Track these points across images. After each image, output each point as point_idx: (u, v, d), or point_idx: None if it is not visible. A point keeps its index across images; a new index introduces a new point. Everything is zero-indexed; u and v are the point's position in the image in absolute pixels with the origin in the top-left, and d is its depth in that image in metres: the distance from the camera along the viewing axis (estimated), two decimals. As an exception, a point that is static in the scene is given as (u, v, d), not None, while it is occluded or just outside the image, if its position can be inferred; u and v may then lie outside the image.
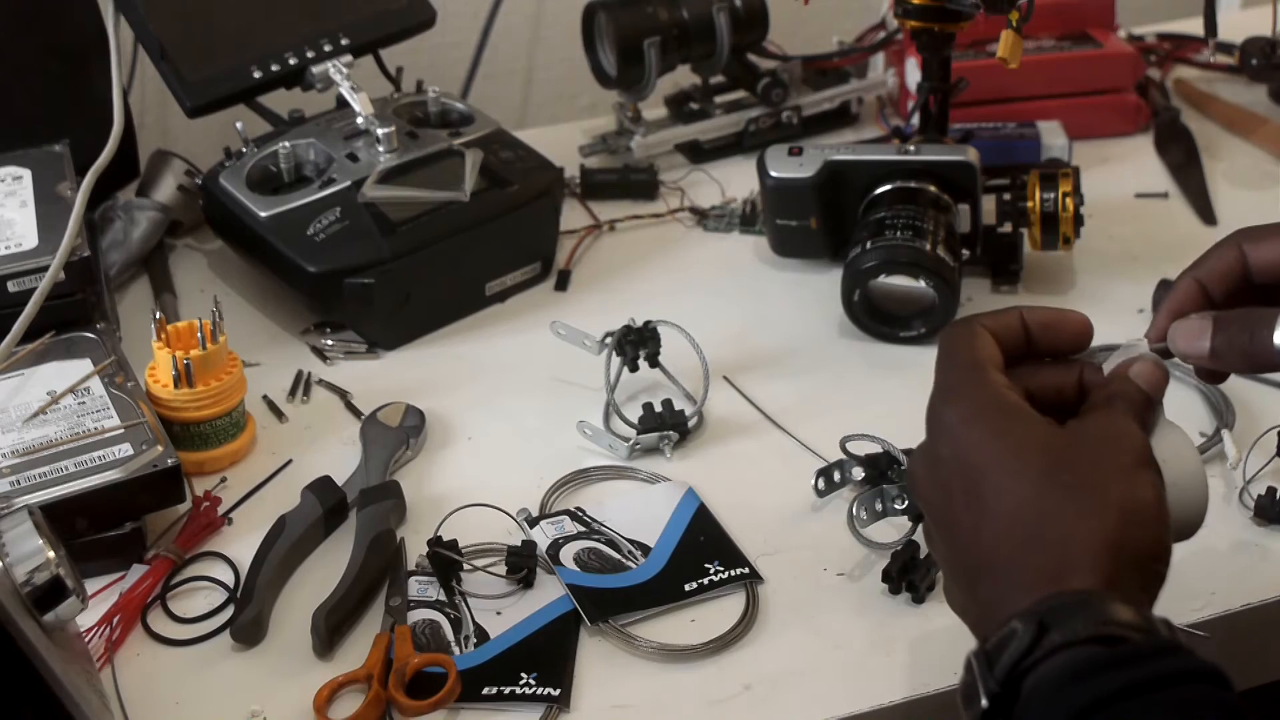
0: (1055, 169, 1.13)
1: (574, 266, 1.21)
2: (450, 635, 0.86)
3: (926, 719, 0.82)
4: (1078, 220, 1.11)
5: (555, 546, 0.91)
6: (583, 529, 0.93)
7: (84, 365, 0.98)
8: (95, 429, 0.93)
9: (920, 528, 0.83)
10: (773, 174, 1.15)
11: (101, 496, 0.89)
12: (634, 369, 1.04)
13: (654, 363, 1.04)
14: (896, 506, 0.89)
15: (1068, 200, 1.11)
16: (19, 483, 0.89)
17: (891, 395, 1.03)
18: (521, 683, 0.82)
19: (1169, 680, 0.59)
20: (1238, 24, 1.42)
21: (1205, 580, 0.87)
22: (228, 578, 0.91)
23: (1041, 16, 1.17)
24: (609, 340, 1.04)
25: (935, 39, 1.13)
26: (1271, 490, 0.92)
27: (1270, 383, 1.03)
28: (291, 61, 1.16)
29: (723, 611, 0.87)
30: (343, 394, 1.07)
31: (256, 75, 1.15)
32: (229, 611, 0.88)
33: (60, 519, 0.82)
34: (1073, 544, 0.65)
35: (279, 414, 1.05)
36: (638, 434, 0.99)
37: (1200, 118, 1.40)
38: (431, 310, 1.13)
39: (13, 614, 0.69)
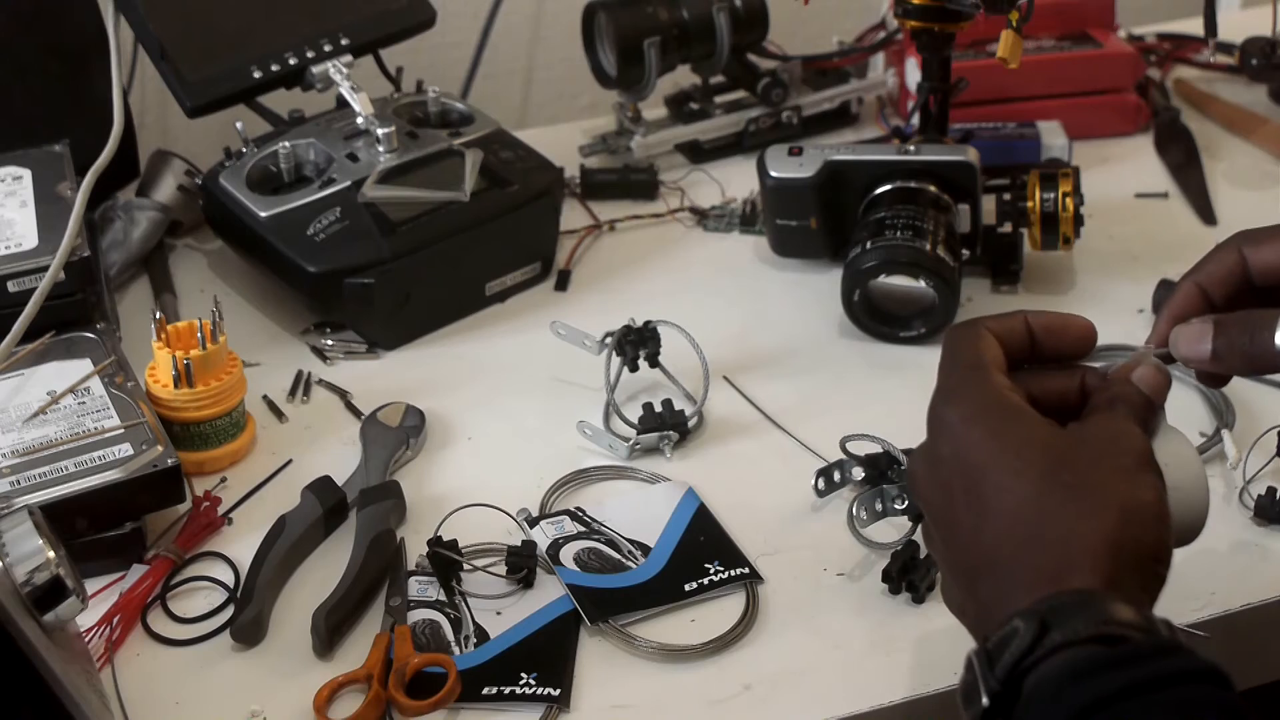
0: (1055, 169, 1.13)
1: (574, 266, 1.21)
2: (450, 635, 0.86)
3: (926, 719, 0.82)
4: (1078, 220, 1.11)
5: (555, 546, 0.91)
6: (583, 529, 0.93)
7: (84, 365, 0.98)
8: (95, 429, 0.93)
9: (920, 528, 0.83)
10: (773, 174, 1.14)
11: (101, 496, 0.89)
12: (634, 369, 1.04)
13: (654, 363, 1.04)
14: (896, 506, 0.89)
15: (1068, 200, 1.11)
16: (19, 483, 0.89)
17: (891, 395, 1.03)
18: (521, 683, 0.82)
19: (1169, 680, 0.59)
20: (1238, 24, 1.42)
21: (1205, 580, 0.87)
22: (228, 578, 0.91)
23: (1041, 16, 1.17)
24: (609, 340, 1.04)
25: (935, 39, 1.13)
26: (1271, 490, 0.92)
27: (1270, 383, 1.03)
28: (291, 61, 1.16)
29: (723, 611, 0.87)
30: (343, 394, 1.07)
31: (256, 75, 1.15)
32: (229, 611, 0.88)
33: (60, 519, 0.82)
34: (1073, 543, 0.65)
35: (279, 414, 1.05)
36: (638, 434, 0.99)
37: (1200, 118, 1.39)
38: (431, 310, 1.13)
39: (13, 614, 0.69)
